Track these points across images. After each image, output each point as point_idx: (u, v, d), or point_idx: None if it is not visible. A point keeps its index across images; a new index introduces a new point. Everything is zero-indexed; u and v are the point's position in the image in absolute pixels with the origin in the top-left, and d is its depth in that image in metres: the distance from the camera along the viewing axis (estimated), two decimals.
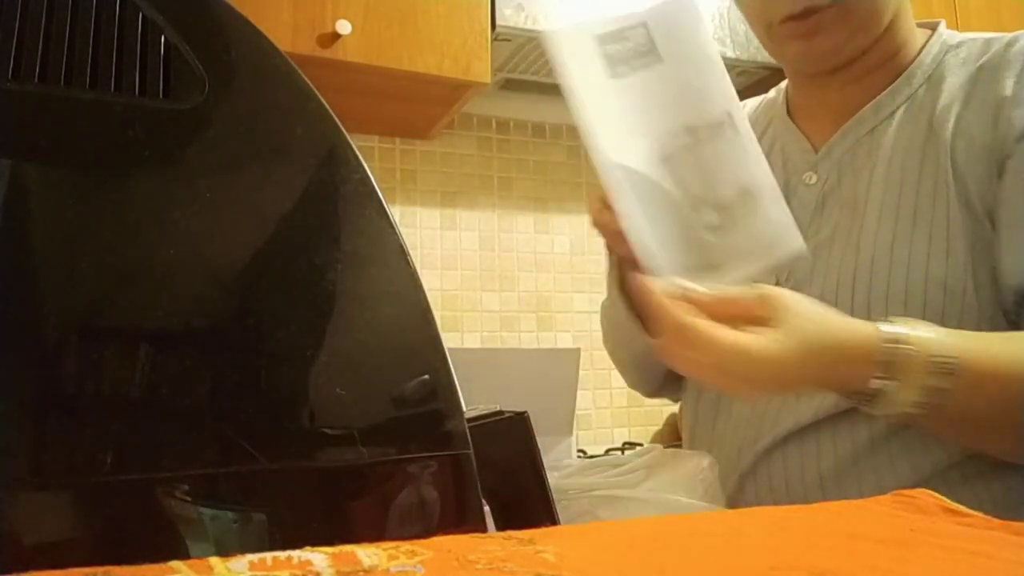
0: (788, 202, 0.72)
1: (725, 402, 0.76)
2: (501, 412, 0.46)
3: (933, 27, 0.76)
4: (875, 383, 0.54)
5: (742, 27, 1.72)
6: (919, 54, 0.73)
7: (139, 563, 0.26)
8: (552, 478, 0.48)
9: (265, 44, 0.42)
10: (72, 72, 0.37)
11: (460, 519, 0.39)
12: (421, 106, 1.78)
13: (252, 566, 0.26)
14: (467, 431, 0.40)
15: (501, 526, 0.41)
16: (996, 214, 0.64)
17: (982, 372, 0.55)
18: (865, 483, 0.65)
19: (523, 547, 0.29)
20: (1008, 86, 0.65)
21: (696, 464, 0.58)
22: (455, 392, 0.40)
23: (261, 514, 0.35)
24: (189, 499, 0.34)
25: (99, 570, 0.24)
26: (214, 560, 0.26)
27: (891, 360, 0.53)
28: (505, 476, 0.44)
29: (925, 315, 0.63)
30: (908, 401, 0.54)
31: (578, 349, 1.23)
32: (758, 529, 0.35)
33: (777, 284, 0.71)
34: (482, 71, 1.62)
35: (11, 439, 0.31)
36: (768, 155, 0.79)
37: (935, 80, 0.71)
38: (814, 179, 0.75)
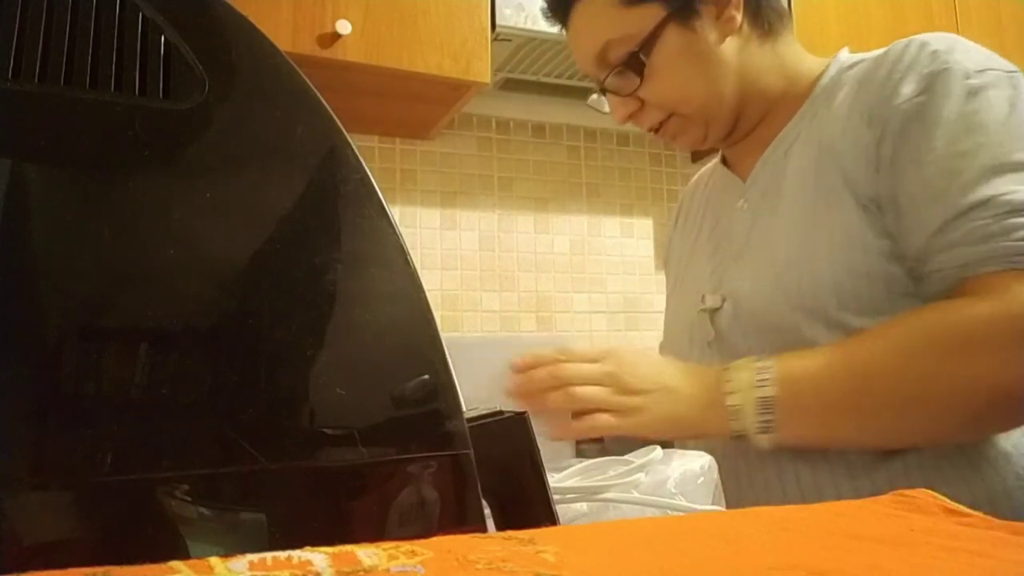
0: (726, 229, 0.88)
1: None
2: (501, 412, 0.46)
3: (836, 56, 0.87)
4: (727, 386, 0.65)
5: None
6: (818, 80, 0.83)
7: (139, 563, 0.26)
8: (552, 479, 0.48)
9: (265, 44, 0.42)
10: (72, 72, 0.37)
11: (460, 519, 0.39)
12: (421, 106, 1.78)
13: (252, 566, 0.25)
14: (467, 431, 0.40)
15: (501, 526, 0.41)
16: (884, 201, 0.72)
17: (805, 369, 0.65)
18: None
19: (523, 547, 0.29)
20: (880, 87, 0.74)
21: (696, 464, 0.58)
22: (455, 392, 0.40)
23: (261, 514, 0.35)
24: (189, 499, 0.34)
25: (99, 570, 0.24)
26: (214, 560, 0.26)
27: (727, 376, 0.66)
28: (505, 476, 0.44)
29: (840, 298, 0.71)
30: (751, 415, 0.64)
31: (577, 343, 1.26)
32: (758, 529, 0.35)
33: (723, 300, 0.83)
34: (482, 71, 1.62)
35: (11, 439, 0.31)
36: (707, 200, 0.97)
37: (828, 98, 0.80)
38: (746, 205, 0.86)
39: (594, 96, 0.88)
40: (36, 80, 0.36)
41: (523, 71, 1.90)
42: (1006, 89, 0.67)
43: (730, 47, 0.81)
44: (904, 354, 0.63)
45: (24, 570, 0.24)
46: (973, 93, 0.67)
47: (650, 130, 0.85)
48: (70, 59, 0.37)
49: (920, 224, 0.68)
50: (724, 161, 0.95)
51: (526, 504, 0.45)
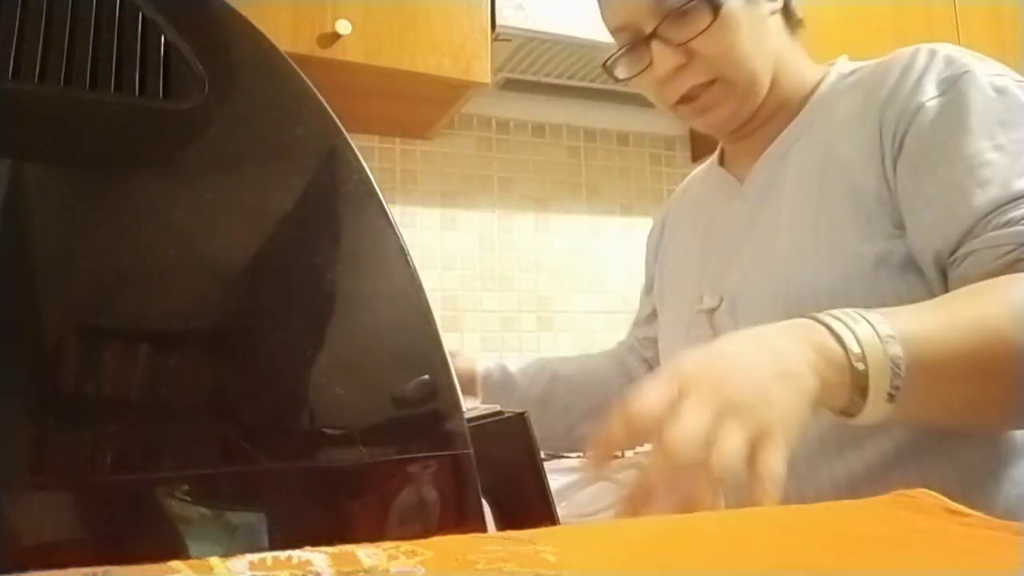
0: (722, 229, 0.86)
1: None
2: (501, 412, 0.46)
3: (834, 63, 0.86)
4: (847, 344, 0.51)
5: None
6: (818, 87, 0.83)
7: (139, 563, 0.26)
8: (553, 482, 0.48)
9: (265, 44, 0.42)
10: (72, 72, 0.37)
11: (460, 519, 0.39)
12: (421, 106, 1.78)
13: (252, 566, 0.26)
14: (467, 431, 0.40)
15: (501, 526, 0.41)
16: (899, 202, 0.71)
17: (937, 332, 0.55)
18: None
19: (523, 547, 0.29)
20: (892, 91, 0.73)
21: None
22: (455, 392, 0.40)
23: (261, 514, 0.35)
24: (189, 499, 0.34)
25: (99, 570, 0.24)
26: (214, 560, 0.26)
27: (839, 329, 0.52)
28: (505, 476, 0.44)
29: (834, 307, 0.62)
30: (883, 380, 0.52)
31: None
32: (758, 529, 0.35)
33: (720, 300, 0.81)
34: (482, 71, 1.62)
35: (11, 439, 0.31)
36: (702, 200, 0.95)
37: (829, 105, 0.81)
38: (743, 206, 0.85)
39: (613, 59, 0.83)
40: (36, 80, 0.36)
41: (523, 71, 1.90)
42: None
43: (773, 25, 0.81)
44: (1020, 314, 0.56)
45: (24, 570, 0.24)
46: (1000, 91, 0.68)
47: (682, 100, 0.80)
48: (70, 59, 0.37)
49: (959, 214, 0.66)
50: (721, 162, 0.95)
51: (526, 504, 0.45)
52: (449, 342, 0.41)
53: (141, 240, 0.36)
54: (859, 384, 0.52)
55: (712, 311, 0.83)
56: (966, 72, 0.70)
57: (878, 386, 0.52)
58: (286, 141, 0.41)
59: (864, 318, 0.54)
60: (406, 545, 0.28)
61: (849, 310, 0.55)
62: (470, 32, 1.61)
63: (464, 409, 0.41)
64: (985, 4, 2.12)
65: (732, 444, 0.45)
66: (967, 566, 0.29)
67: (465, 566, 0.27)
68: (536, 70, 1.90)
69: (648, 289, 1.09)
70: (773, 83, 0.82)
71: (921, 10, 2.05)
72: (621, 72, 0.83)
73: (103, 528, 0.32)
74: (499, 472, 0.43)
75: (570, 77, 1.95)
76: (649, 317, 1.07)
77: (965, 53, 0.73)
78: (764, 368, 0.50)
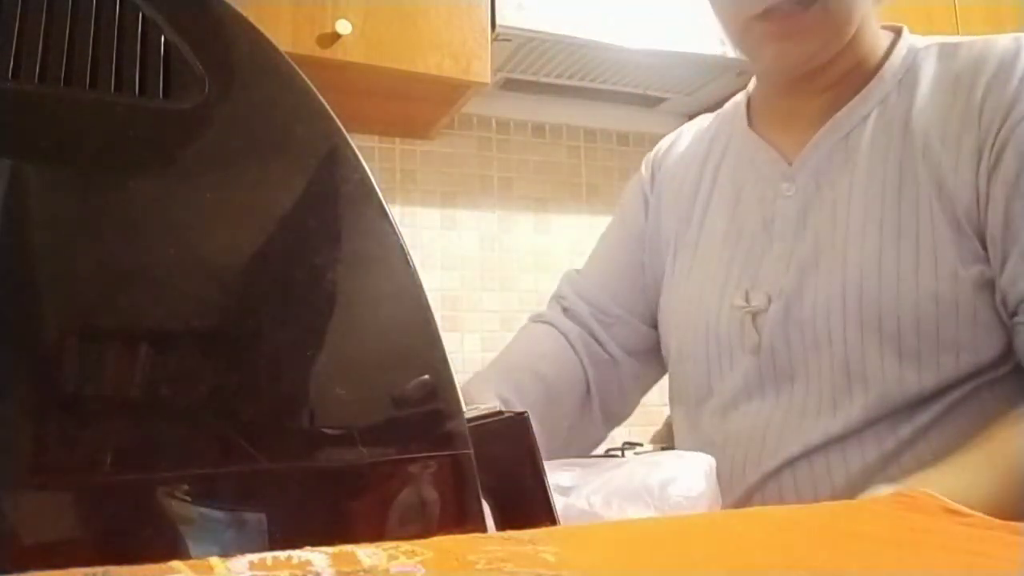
0: (766, 215, 0.73)
1: (725, 418, 0.75)
2: (501, 412, 0.46)
3: (897, 31, 0.76)
4: None
5: None
6: (887, 58, 0.72)
7: (139, 563, 0.26)
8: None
9: (265, 44, 0.42)
10: (72, 72, 0.37)
11: (460, 519, 0.39)
12: (421, 106, 1.78)
13: (252, 566, 0.26)
14: (467, 431, 0.40)
15: (501, 526, 0.41)
16: (992, 219, 0.62)
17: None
18: None
19: (523, 547, 0.29)
20: (988, 90, 0.65)
21: (696, 466, 0.58)
22: (455, 392, 0.40)
23: (261, 514, 0.35)
24: (189, 499, 0.34)
25: (99, 570, 0.24)
26: (214, 560, 0.26)
27: None
28: (505, 476, 0.44)
29: (919, 327, 0.62)
30: None
31: None
32: (758, 529, 0.35)
33: (769, 301, 0.71)
34: (482, 71, 1.62)
35: (11, 439, 0.31)
36: (731, 170, 0.80)
37: (907, 84, 0.70)
38: (792, 190, 0.73)
39: None
40: (36, 80, 0.36)
41: (523, 71, 1.90)
42: None
43: None
44: None
45: (24, 570, 0.24)
46: None
47: (767, 15, 0.66)
48: (70, 59, 0.37)
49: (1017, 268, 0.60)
50: (750, 123, 0.79)
51: (526, 504, 0.45)
52: (449, 342, 0.41)
53: (141, 240, 0.36)
54: None
55: (758, 313, 0.72)
56: None
57: None
58: (286, 141, 0.41)
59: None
60: (406, 545, 0.28)
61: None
62: (470, 32, 1.61)
63: (464, 409, 0.41)
64: (985, 3, 2.12)
65: None
66: (967, 566, 0.29)
67: (465, 566, 0.27)
68: (536, 70, 1.90)
69: (630, 245, 0.90)
70: (856, 37, 0.70)
71: (922, 10, 2.05)
72: None
73: (103, 528, 0.32)
74: (499, 472, 0.43)
75: (570, 77, 1.95)
76: (627, 272, 0.89)
77: None
78: None
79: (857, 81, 0.72)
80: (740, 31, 0.71)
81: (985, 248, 0.64)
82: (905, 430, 0.65)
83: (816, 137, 0.73)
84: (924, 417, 0.65)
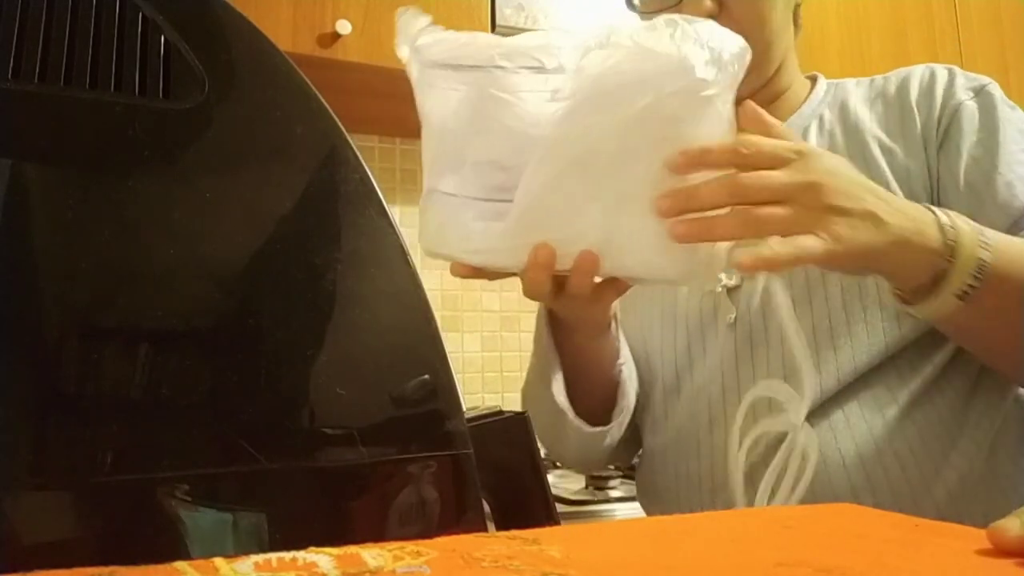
0: None
1: (696, 400, 0.76)
2: (501, 412, 0.46)
3: (813, 79, 0.86)
4: (944, 236, 0.54)
5: None
6: (810, 94, 0.83)
7: (139, 563, 0.26)
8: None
9: (265, 44, 0.42)
10: (72, 72, 0.37)
11: (460, 519, 0.39)
12: None
13: (257, 567, 0.25)
14: (467, 431, 0.40)
15: (501, 526, 0.41)
16: (949, 184, 0.71)
17: (1012, 257, 0.57)
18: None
19: (528, 546, 0.29)
20: (916, 93, 0.75)
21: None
22: (455, 392, 0.40)
23: (261, 514, 0.35)
24: (189, 499, 0.34)
25: (104, 570, 0.24)
26: (219, 561, 0.26)
27: (951, 224, 0.55)
28: (505, 476, 0.44)
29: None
30: (965, 275, 0.54)
31: None
32: (763, 527, 0.35)
33: (743, 278, 0.75)
34: None
35: (11, 439, 0.31)
36: None
37: (834, 103, 0.80)
38: None
39: None
40: (36, 80, 0.36)
41: None
42: None
43: (789, 16, 0.81)
44: None
45: (24, 570, 0.24)
46: (1011, 107, 0.74)
47: None
48: (70, 59, 0.37)
49: (991, 214, 0.67)
50: None
51: (526, 504, 0.45)
52: (449, 342, 0.41)
53: (141, 240, 0.36)
54: (938, 269, 0.55)
55: (734, 289, 0.75)
56: (989, 83, 0.74)
57: (958, 278, 0.54)
58: (286, 141, 0.41)
59: (967, 221, 0.56)
60: (411, 546, 0.28)
61: (954, 212, 0.57)
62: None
63: (464, 409, 0.41)
64: (985, 3, 2.12)
65: (783, 216, 0.50)
66: (971, 564, 0.29)
67: (471, 564, 0.27)
68: None
69: None
70: (779, 70, 0.80)
71: (922, 9, 2.05)
72: (646, 5, 0.78)
73: (103, 528, 0.32)
74: (499, 472, 0.43)
75: None
76: None
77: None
78: (866, 200, 0.53)
79: (790, 107, 0.82)
80: None
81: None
82: (898, 384, 0.69)
83: None
84: (927, 369, 0.69)
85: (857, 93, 0.81)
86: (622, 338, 0.77)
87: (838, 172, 0.53)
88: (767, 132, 0.53)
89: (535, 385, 0.77)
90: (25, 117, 0.35)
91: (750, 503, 0.54)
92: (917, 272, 0.55)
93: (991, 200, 0.69)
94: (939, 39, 2.03)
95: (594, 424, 0.74)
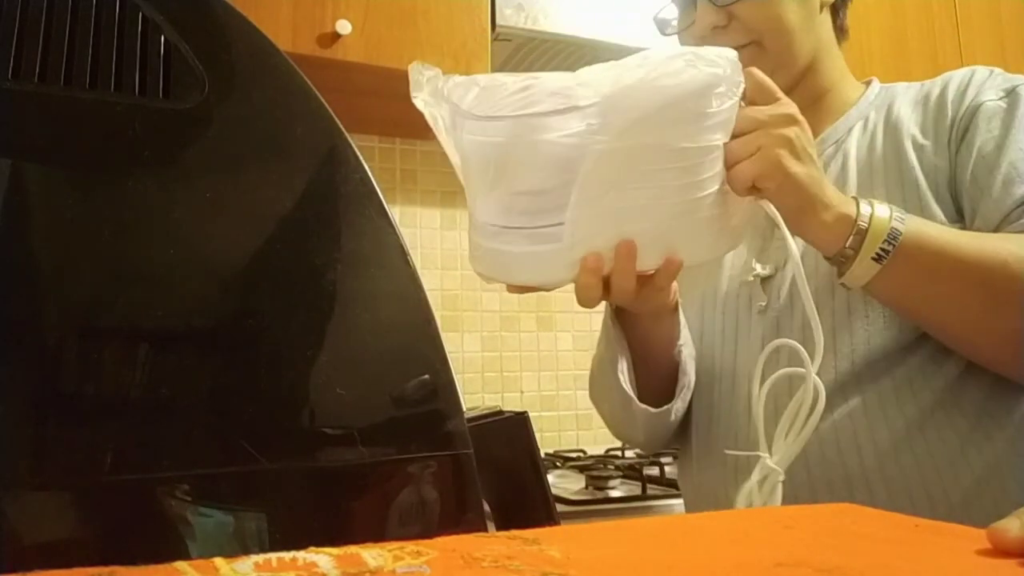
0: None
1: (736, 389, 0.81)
2: (501, 412, 0.46)
3: (869, 81, 0.90)
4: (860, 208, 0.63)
5: None
6: (860, 99, 0.86)
7: (139, 563, 0.26)
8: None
9: (265, 44, 0.42)
10: (72, 72, 0.37)
11: (460, 519, 0.39)
12: None
13: (257, 567, 0.25)
14: (467, 431, 0.40)
15: (501, 526, 0.41)
16: (962, 178, 0.75)
17: (931, 234, 0.65)
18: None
19: (528, 546, 0.29)
20: (953, 94, 0.79)
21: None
22: (455, 392, 0.40)
23: (261, 514, 0.35)
24: (189, 499, 0.34)
25: (104, 570, 0.24)
26: (219, 561, 0.26)
27: (869, 203, 0.64)
28: (505, 476, 0.44)
29: None
30: (879, 239, 0.63)
31: None
32: (763, 528, 0.35)
33: (776, 268, 0.82)
34: (482, 71, 1.62)
35: (11, 439, 0.31)
36: None
37: (881, 105, 0.84)
38: None
39: (663, 14, 0.86)
40: (36, 80, 0.36)
41: (523, 71, 1.90)
42: None
43: (823, 16, 0.84)
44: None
45: (24, 570, 0.24)
46: None
47: None
48: (70, 59, 0.37)
49: (986, 208, 0.72)
50: None
51: (526, 504, 0.45)
52: (449, 342, 0.41)
53: (141, 240, 0.36)
54: (858, 238, 0.64)
55: (767, 279, 0.82)
56: (1021, 84, 0.77)
57: (872, 241, 0.63)
58: (286, 141, 0.41)
59: (889, 205, 0.65)
60: (411, 545, 0.28)
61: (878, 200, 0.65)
62: (470, 32, 1.61)
63: (464, 409, 0.41)
64: (985, 3, 2.12)
65: (778, 156, 0.61)
66: (970, 564, 0.29)
67: (471, 564, 0.27)
68: (536, 70, 1.90)
69: None
70: (813, 69, 0.84)
71: (922, 9, 2.05)
72: (668, 27, 0.86)
73: (103, 528, 0.32)
74: (499, 472, 0.43)
75: None
76: None
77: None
78: (816, 162, 0.64)
79: (826, 113, 0.85)
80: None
81: (962, 215, 0.75)
82: (921, 381, 0.72)
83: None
84: (950, 366, 0.71)
85: (906, 95, 0.84)
86: (682, 320, 0.82)
87: (807, 130, 0.64)
88: (765, 92, 0.63)
89: (603, 375, 0.82)
90: (25, 117, 0.35)
91: (769, 442, 0.59)
92: (836, 234, 0.63)
93: (988, 194, 0.72)
94: (939, 39, 2.03)
95: (658, 405, 0.80)
